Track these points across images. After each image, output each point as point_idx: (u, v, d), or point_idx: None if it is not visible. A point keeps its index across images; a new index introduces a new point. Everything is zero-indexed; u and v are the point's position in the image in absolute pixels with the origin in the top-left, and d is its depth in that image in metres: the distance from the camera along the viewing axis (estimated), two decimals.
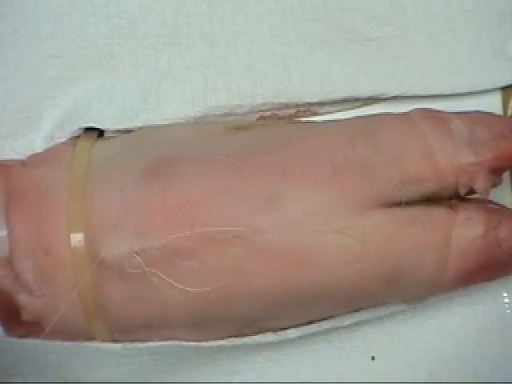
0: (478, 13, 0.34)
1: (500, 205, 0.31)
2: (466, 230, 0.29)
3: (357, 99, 0.34)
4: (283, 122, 0.33)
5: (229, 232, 0.28)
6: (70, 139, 0.32)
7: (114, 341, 0.30)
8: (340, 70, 0.33)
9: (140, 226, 0.28)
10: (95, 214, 0.28)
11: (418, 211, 0.28)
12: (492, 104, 0.34)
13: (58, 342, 0.30)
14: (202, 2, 0.33)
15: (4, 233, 0.28)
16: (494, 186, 0.30)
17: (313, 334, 0.32)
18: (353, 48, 0.33)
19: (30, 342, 0.30)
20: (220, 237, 0.28)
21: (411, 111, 0.31)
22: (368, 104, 0.34)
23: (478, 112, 0.31)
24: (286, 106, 0.33)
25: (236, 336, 0.31)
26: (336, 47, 0.33)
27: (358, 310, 0.32)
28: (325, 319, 0.32)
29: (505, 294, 0.34)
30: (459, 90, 0.34)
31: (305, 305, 0.29)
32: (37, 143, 0.32)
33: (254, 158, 0.29)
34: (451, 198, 0.29)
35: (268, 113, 0.33)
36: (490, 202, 0.30)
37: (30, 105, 0.32)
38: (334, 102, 0.33)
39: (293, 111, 0.34)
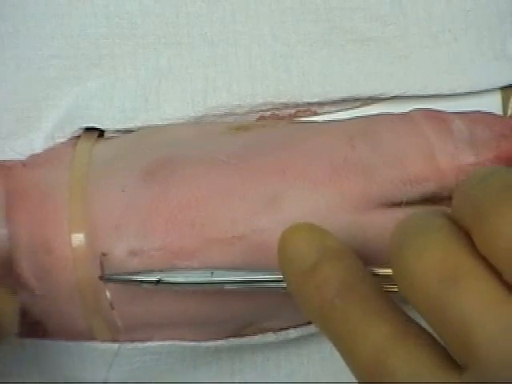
0: (478, 12, 0.34)
1: None
2: None
3: (357, 99, 0.34)
4: (283, 122, 0.33)
5: (229, 232, 0.28)
6: (71, 139, 0.32)
7: (114, 341, 0.30)
8: (340, 70, 0.33)
9: (141, 227, 0.28)
10: (96, 214, 0.28)
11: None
12: (492, 104, 0.34)
13: (59, 342, 0.30)
14: (202, 2, 0.33)
15: (5, 232, 0.28)
16: None
17: (313, 334, 0.32)
18: (353, 48, 0.33)
19: (30, 341, 0.30)
20: (220, 237, 0.28)
21: (412, 111, 0.31)
22: (368, 104, 0.34)
23: (478, 112, 0.31)
24: (286, 105, 0.33)
25: (236, 336, 0.31)
26: (336, 47, 0.33)
27: None
28: None
29: None
30: (459, 90, 0.34)
31: None
32: (37, 143, 0.32)
33: (254, 158, 0.29)
34: (452, 198, 0.29)
35: (268, 113, 0.33)
36: None
37: (30, 105, 0.32)
38: (334, 102, 0.33)
39: (293, 111, 0.34)
